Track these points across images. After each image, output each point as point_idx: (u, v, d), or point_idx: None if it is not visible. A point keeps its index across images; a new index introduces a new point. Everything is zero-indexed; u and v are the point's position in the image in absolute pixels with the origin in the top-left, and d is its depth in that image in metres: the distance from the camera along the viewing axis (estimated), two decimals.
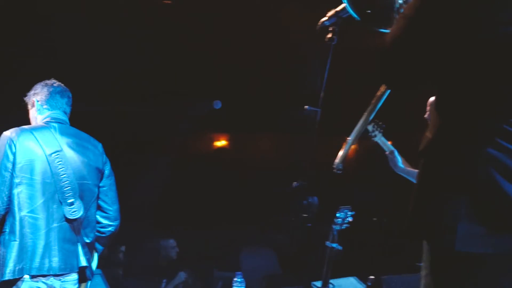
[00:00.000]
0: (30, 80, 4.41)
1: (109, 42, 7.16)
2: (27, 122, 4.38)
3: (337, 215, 5.52)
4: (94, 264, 4.33)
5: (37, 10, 6.83)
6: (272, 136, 11.07)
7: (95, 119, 4.71)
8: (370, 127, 5.44)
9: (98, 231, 4.32)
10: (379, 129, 5.47)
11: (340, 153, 3.52)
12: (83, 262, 4.12)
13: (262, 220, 9.60)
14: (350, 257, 5.90)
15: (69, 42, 7.05)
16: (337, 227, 5.51)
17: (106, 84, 7.81)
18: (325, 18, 2.94)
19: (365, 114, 3.19)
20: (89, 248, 4.21)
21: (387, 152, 5.43)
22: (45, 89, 4.32)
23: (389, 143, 5.49)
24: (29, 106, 4.39)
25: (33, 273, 3.94)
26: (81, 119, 4.47)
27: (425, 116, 4.87)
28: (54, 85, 4.37)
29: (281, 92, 8.56)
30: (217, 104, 7.78)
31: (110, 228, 4.36)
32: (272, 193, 9.08)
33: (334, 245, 5.48)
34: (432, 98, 3.71)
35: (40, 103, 4.31)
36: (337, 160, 3.54)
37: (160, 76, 8.25)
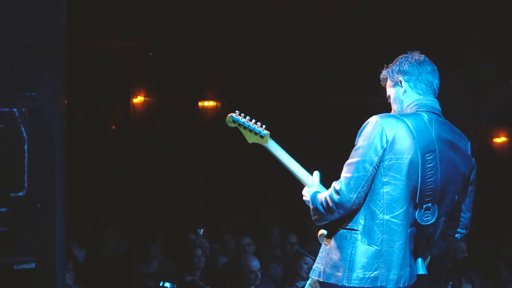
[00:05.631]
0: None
1: None
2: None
3: None
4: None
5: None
6: None
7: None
8: None
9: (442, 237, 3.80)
10: None
11: None
12: (423, 269, 3.65)
13: None
14: None
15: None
16: None
17: None
18: None
19: None
20: (429, 254, 3.78)
21: None
22: (415, 67, 3.69)
23: None
24: (389, 83, 3.79)
25: (390, 285, 3.49)
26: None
27: None
28: (424, 62, 3.72)
29: None
30: None
31: (456, 235, 3.84)
32: None
33: None
34: None
35: (409, 84, 3.70)
36: None
37: None
